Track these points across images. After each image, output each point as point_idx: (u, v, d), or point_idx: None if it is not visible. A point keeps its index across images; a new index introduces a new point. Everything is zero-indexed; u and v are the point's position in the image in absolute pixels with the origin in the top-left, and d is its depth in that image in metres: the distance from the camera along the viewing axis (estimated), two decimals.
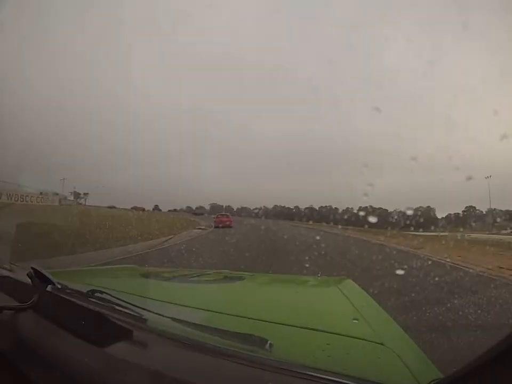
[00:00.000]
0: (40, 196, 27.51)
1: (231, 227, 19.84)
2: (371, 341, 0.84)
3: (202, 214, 36.20)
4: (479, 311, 3.80)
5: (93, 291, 0.98)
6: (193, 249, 9.01)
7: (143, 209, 40.62)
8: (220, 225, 19.94)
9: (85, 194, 53.18)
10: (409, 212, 14.74)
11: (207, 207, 63.82)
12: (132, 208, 39.84)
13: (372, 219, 16.50)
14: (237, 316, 1.05)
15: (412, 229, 15.21)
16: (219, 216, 23.11)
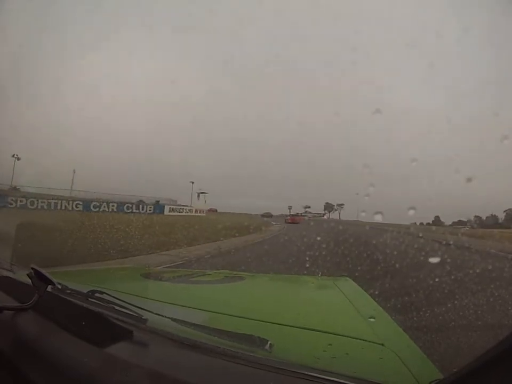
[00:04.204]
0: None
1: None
2: (371, 342, 0.84)
3: (270, 216, 39.16)
4: None
5: (93, 291, 0.98)
6: None
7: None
8: (291, 222, 27.93)
9: (339, 205, 49.48)
10: None
11: None
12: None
13: None
14: (237, 316, 1.04)
15: None
16: (291, 216, 32.88)
